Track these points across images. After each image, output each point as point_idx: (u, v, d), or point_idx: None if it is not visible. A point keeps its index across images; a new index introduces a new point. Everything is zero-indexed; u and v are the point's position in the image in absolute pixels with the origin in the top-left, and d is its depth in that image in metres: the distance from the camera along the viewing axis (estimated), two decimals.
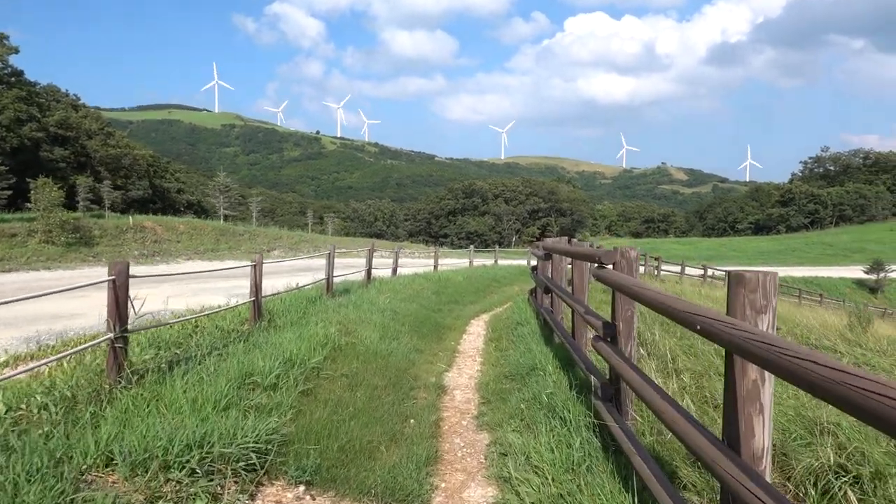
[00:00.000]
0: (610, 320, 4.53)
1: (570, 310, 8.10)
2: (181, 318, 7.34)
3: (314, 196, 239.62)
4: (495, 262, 27.55)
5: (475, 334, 10.79)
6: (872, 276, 51.19)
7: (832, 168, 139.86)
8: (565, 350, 7.38)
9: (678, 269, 33.61)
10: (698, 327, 2.52)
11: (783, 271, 57.64)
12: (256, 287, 7.78)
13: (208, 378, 5.16)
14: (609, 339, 4.47)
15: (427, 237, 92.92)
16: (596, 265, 4.72)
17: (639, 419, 4.37)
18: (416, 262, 31.65)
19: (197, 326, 7.89)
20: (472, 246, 25.97)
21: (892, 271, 51.15)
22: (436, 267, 20.86)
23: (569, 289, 7.26)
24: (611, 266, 4.51)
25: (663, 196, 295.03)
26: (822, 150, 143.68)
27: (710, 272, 33.18)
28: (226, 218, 47.56)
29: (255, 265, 7.77)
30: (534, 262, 16.97)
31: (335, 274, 14.11)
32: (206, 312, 7.82)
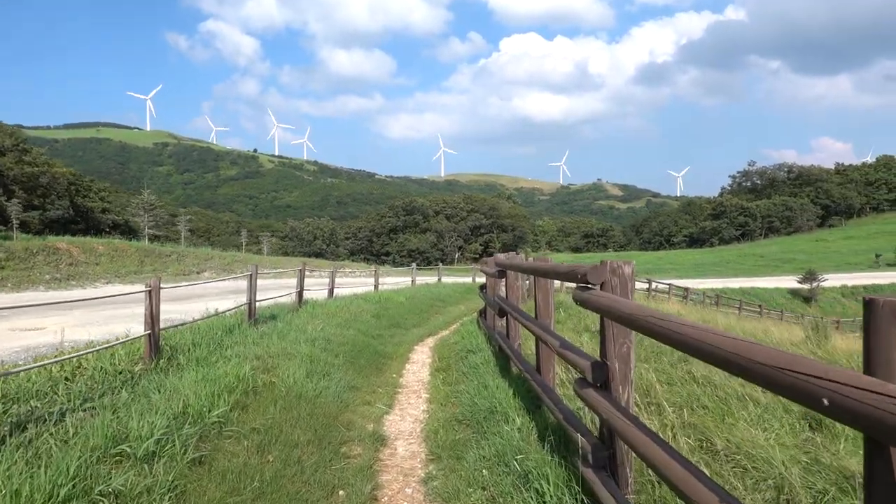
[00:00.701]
0: (599, 358, 3.41)
1: (533, 336, 7.02)
2: (51, 360, 5.85)
3: (252, 215, 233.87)
4: (439, 279, 26.42)
5: (420, 363, 9.57)
6: (806, 286, 52.47)
7: (759, 182, 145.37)
8: (527, 385, 6.26)
9: None
10: (826, 402, 1.40)
11: (721, 283, 58.65)
12: (152, 318, 6.36)
13: (58, 449, 3.78)
14: (599, 385, 3.34)
15: (368, 255, 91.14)
16: (577, 285, 3.60)
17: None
18: (357, 281, 30.18)
19: (80, 367, 6.40)
20: (414, 264, 24.77)
21: (824, 280, 52.57)
22: (376, 287, 19.52)
23: (529, 311, 6.14)
24: (598, 286, 3.40)
25: (600, 211, 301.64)
26: (749, 165, 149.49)
27: (653, 285, 32.96)
28: (153, 238, 44.77)
29: (149, 290, 6.36)
30: (482, 279, 15.83)
31: (262, 297, 12.67)
32: (85, 351, 6.32)
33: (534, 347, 7.48)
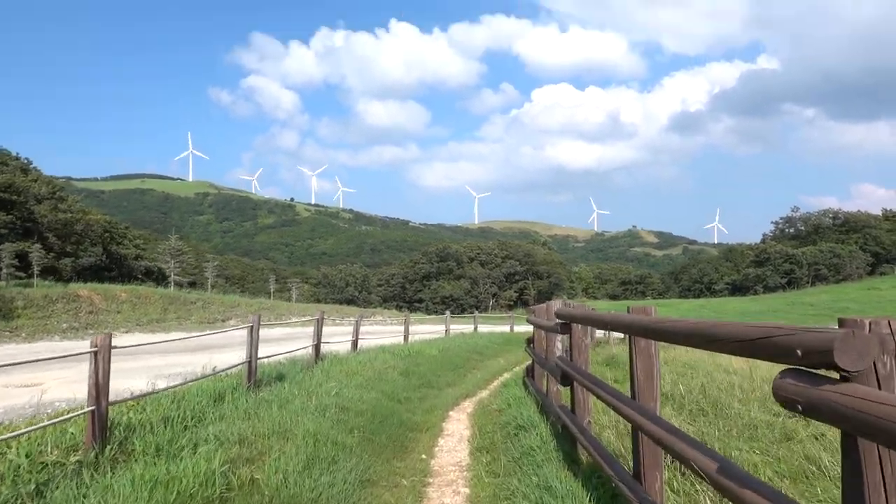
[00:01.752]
0: None
1: (616, 417, 5.26)
2: None
3: (288, 263, 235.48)
4: (474, 328, 24.55)
5: (456, 436, 7.71)
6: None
7: (803, 228, 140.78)
8: (608, 487, 4.40)
9: None
10: None
11: None
12: (97, 389, 4.70)
13: None
14: None
15: (401, 302, 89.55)
16: (789, 369, 1.80)
17: None
18: (387, 329, 28.44)
19: (3, 454, 4.75)
20: (448, 312, 22.99)
21: None
22: (406, 337, 17.72)
23: (615, 385, 4.30)
24: (854, 372, 1.60)
25: (635, 258, 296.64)
26: (793, 211, 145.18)
27: None
28: (180, 285, 43.90)
29: (94, 351, 4.71)
30: (523, 329, 14.01)
31: (274, 351, 11.01)
32: (8, 436, 4.65)
33: (635, 439, 5.62)
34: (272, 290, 61.62)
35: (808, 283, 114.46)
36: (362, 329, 17.69)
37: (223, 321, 31.57)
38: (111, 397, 10.52)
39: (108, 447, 4.75)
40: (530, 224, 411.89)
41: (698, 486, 4.05)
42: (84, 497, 3.77)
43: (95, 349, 4.70)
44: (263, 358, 9.56)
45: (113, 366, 14.78)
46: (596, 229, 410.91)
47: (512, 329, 27.35)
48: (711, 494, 3.84)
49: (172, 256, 43.85)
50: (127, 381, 11.49)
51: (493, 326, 33.89)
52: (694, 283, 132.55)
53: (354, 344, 13.97)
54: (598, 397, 4.40)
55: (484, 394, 10.87)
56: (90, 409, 4.69)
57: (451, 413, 9.20)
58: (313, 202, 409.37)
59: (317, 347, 11.21)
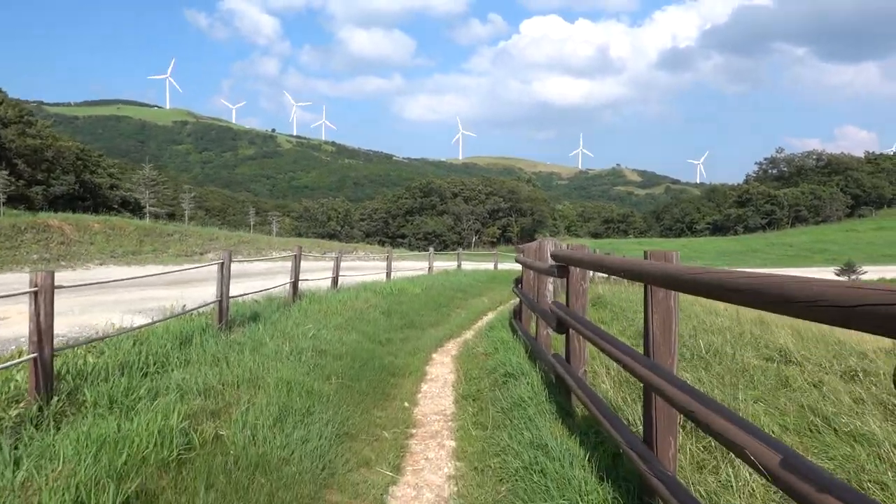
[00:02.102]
0: None
1: (613, 363, 4.89)
2: None
3: (269, 195, 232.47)
4: (458, 266, 24.17)
5: (440, 381, 7.35)
6: (844, 279, 49.58)
7: (786, 169, 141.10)
8: (608, 446, 4.03)
9: None
10: None
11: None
12: (39, 334, 4.17)
13: None
14: None
15: (384, 237, 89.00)
16: None
17: None
18: (369, 265, 27.95)
19: None
20: (431, 248, 22.49)
21: (863, 273, 49.67)
22: (388, 275, 17.26)
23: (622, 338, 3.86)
24: None
25: (618, 197, 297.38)
26: (777, 152, 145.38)
27: None
28: (156, 216, 42.85)
29: (35, 290, 4.15)
30: (508, 267, 13.68)
31: (248, 289, 10.51)
32: None
33: (603, 377, 5.23)
34: (252, 224, 60.63)
35: (787, 223, 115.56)
36: (343, 265, 17.17)
37: (201, 254, 30.90)
38: (78, 331, 10.00)
39: (55, 399, 4.25)
40: (514, 160, 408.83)
41: (718, 456, 3.65)
42: (16, 462, 3.28)
43: (35, 289, 4.14)
44: (237, 296, 9.04)
45: (85, 299, 14.19)
46: (580, 167, 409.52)
47: (496, 267, 27.02)
48: (732, 464, 3.44)
49: (147, 186, 42.50)
50: (101, 315, 11.00)
51: (476, 264, 33.57)
52: (675, 223, 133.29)
53: (335, 281, 13.48)
54: (604, 351, 3.95)
55: (469, 335, 10.51)
56: (32, 356, 4.17)
57: (434, 356, 8.83)
58: (295, 133, 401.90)
59: (294, 285, 10.70)
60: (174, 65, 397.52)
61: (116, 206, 61.50)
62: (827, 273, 54.20)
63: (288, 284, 10.84)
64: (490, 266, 28.56)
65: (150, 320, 6.91)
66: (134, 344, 5.99)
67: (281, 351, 6.47)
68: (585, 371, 5.33)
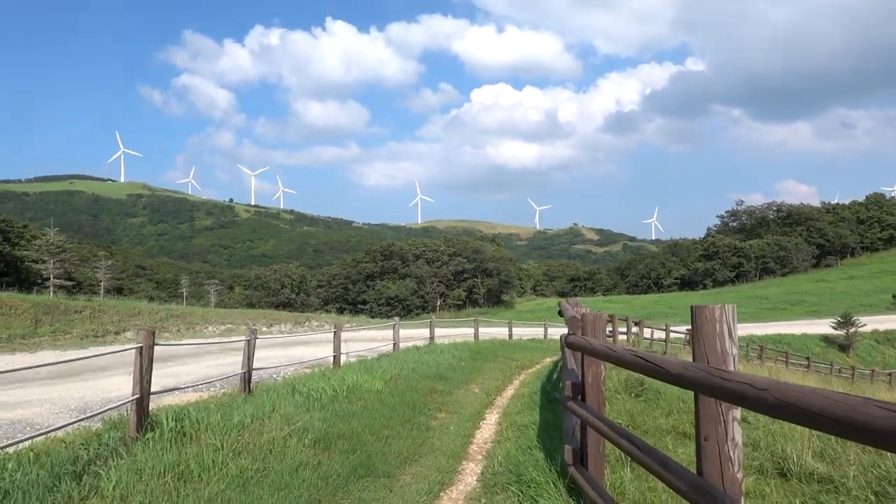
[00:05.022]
0: None
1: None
2: None
3: (227, 266, 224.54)
4: (431, 338, 19.34)
5: None
6: (842, 332, 46.11)
7: (747, 221, 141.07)
8: None
9: (649, 331, 26.56)
10: None
11: (742, 330, 51.98)
12: None
13: None
14: None
15: (344, 304, 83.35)
16: None
17: None
18: (324, 337, 22.57)
19: None
20: (396, 318, 17.51)
21: (861, 326, 46.32)
22: (337, 359, 12.29)
23: None
24: None
25: (577, 255, 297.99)
26: (737, 204, 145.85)
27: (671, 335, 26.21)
28: (69, 291, 36.99)
29: None
30: (494, 335, 9.08)
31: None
32: None
33: None
34: (184, 294, 54.66)
35: (755, 276, 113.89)
36: (287, 340, 12.34)
37: (116, 333, 25.42)
38: None
39: None
40: (473, 223, 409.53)
41: None
42: None
43: None
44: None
45: None
46: (538, 227, 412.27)
47: (476, 336, 22.27)
48: None
49: (51, 255, 36.66)
50: None
51: (448, 330, 28.76)
52: (641, 279, 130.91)
53: (246, 380, 8.54)
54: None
55: (471, 479, 5.75)
56: None
57: None
58: (253, 203, 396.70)
59: (140, 404, 5.78)
60: (121, 138, 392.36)
61: (42, 282, 55.17)
62: (820, 326, 50.95)
63: (241, 374, 5.92)
64: (469, 331, 23.79)
65: None
66: None
67: None
68: None
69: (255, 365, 16.68)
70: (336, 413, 7.19)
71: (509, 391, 11.98)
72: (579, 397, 4.55)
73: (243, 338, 8.33)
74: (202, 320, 30.07)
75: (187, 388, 9.78)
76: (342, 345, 12.28)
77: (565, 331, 5.98)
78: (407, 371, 11.14)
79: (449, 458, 6.58)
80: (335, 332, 11.74)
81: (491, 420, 9.04)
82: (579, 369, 4.68)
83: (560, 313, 9.40)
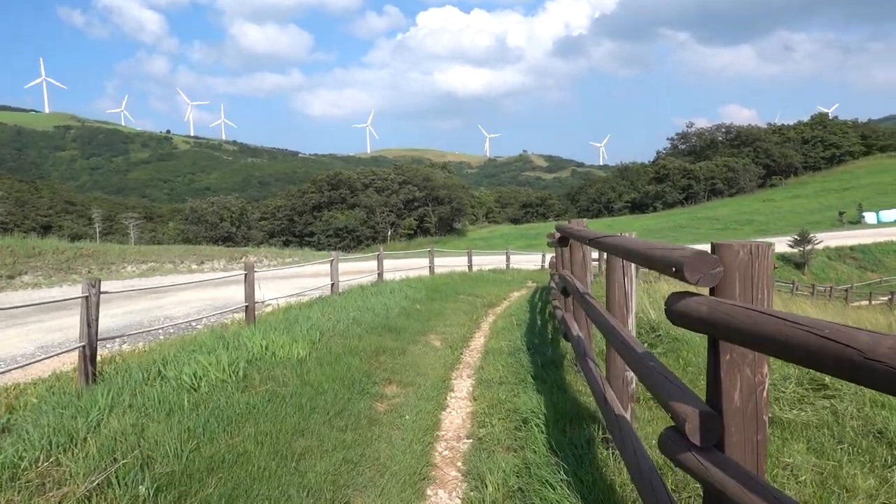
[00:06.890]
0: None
1: None
2: None
3: (168, 200, 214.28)
4: (379, 275, 16.56)
5: None
6: (798, 250, 45.49)
7: (697, 143, 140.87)
8: None
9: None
10: None
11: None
12: None
13: None
14: None
15: (290, 237, 79.47)
16: None
17: None
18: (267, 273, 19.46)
19: None
20: (336, 252, 14.45)
21: (818, 243, 45.75)
22: (250, 312, 9.32)
23: None
24: None
25: (527, 182, 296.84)
26: (688, 126, 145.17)
27: None
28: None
29: None
30: (454, 267, 6.48)
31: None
32: None
33: None
34: (98, 231, 50.17)
35: (704, 197, 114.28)
36: (201, 279, 9.22)
37: (10, 278, 21.82)
38: None
39: None
40: (423, 151, 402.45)
41: None
42: None
43: None
44: None
45: None
46: (488, 155, 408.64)
47: (432, 270, 19.59)
48: None
49: None
50: None
51: (401, 262, 26.04)
52: (592, 203, 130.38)
53: (88, 356, 5.58)
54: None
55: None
56: None
57: None
58: (192, 134, 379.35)
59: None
60: (44, 64, 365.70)
61: None
62: (777, 245, 50.32)
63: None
64: (422, 265, 21.12)
65: None
66: None
67: None
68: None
69: (174, 311, 13.55)
70: (217, 416, 4.39)
71: (478, 339, 9.42)
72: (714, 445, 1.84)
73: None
74: (119, 259, 26.55)
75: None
76: (267, 288, 9.38)
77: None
78: (345, 324, 8.37)
79: (404, 486, 3.92)
80: (246, 273, 8.75)
81: (461, 390, 6.43)
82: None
83: (559, 241, 6.64)
